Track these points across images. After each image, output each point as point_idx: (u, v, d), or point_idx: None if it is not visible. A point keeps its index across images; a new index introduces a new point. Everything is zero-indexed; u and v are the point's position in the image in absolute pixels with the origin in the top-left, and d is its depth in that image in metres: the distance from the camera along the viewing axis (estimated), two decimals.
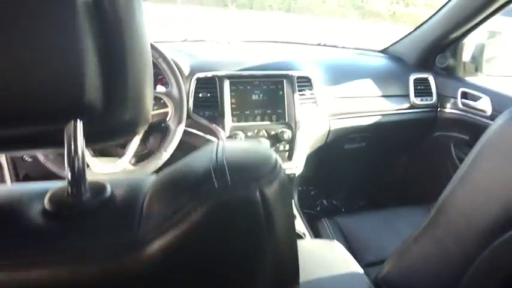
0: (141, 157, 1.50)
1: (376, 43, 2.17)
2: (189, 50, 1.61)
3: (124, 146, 1.23)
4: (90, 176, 1.02)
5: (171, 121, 1.23)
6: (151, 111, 1.19)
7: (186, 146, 1.47)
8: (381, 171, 2.18)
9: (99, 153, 1.24)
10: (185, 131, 1.42)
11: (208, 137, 1.45)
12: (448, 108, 1.76)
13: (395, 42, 2.01)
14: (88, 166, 1.20)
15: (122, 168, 1.20)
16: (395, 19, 9.73)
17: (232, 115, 1.46)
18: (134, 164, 1.23)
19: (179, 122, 1.23)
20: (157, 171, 1.23)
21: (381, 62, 1.92)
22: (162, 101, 1.23)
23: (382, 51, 2.06)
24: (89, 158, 1.20)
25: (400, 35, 1.97)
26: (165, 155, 1.22)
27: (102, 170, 1.19)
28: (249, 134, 1.45)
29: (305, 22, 9.45)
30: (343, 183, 2.23)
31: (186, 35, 2.15)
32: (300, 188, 1.90)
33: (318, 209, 2.31)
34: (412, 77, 1.76)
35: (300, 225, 1.45)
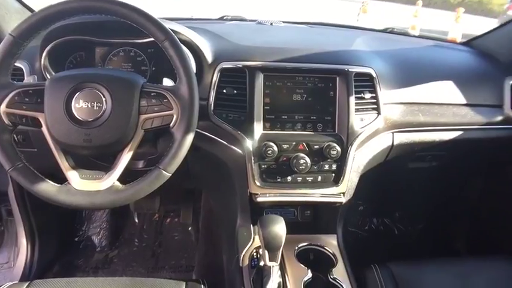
0: (150, 161, 1.22)
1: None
2: (218, 31, 1.27)
3: (114, 158, 0.92)
4: (67, 194, 0.89)
5: (175, 128, 0.90)
6: (150, 113, 0.89)
7: (204, 155, 1.16)
8: (451, 197, 1.76)
9: (81, 164, 0.93)
10: (202, 136, 1.11)
11: (232, 147, 1.12)
12: None
13: (485, 34, 1.57)
14: (66, 181, 0.90)
15: (108, 186, 0.89)
16: (465, 7, 8.87)
17: (264, 120, 1.12)
18: (125, 183, 0.91)
19: (186, 130, 0.89)
20: (155, 193, 0.91)
21: (465, 58, 1.49)
22: (165, 100, 0.90)
23: (466, 44, 1.62)
24: (68, 169, 0.90)
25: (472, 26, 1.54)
26: (165, 174, 0.89)
27: (83, 187, 0.89)
28: (285, 146, 1.11)
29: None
30: (400, 203, 1.85)
31: (226, 12, 1.83)
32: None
33: (366, 227, 1.96)
34: (509, 82, 1.32)
35: (341, 275, 1.09)
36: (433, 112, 1.26)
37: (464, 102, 1.29)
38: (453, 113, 1.28)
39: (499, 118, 1.31)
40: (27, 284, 1.03)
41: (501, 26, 1.51)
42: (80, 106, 0.87)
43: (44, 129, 0.89)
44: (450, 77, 1.32)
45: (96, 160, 1.11)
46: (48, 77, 1.10)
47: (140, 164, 1.25)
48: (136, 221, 2.00)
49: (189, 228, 1.98)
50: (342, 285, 1.06)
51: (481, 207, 1.70)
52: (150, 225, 2.00)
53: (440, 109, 1.27)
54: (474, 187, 1.70)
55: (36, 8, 0.92)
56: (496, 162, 1.53)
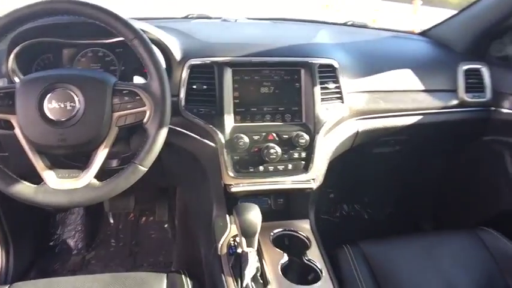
0: (124, 160, 1.24)
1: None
2: (185, 29, 1.30)
3: (89, 156, 0.94)
4: (45, 194, 0.90)
5: (149, 123, 0.93)
6: (123, 111, 0.91)
7: (177, 150, 1.19)
8: (415, 179, 1.85)
9: (57, 164, 0.95)
10: (175, 131, 1.14)
11: (205, 140, 1.15)
12: (506, 108, 1.41)
13: (438, 24, 1.67)
14: (42, 181, 0.91)
15: (85, 184, 0.91)
16: None
17: (235, 113, 1.16)
18: (102, 180, 0.93)
19: (160, 125, 0.92)
20: (130, 192, 0.94)
21: (421, 47, 1.58)
22: (138, 97, 0.92)
23: (422, 34, 1.71)
24: (43, 170, 0.91)
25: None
26: (141, 169, 0.92)
27: (60, 185, 0.91)
28: (255, 137, 1.15)
29: None
30: (368, 188, 1.93)
31: (190, 11, 1.84)
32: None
33: (338, 214, 2.03)
34: (462, 68, 1.42)
35: (315, 256, 1.15)
36: (393, 99, 1.33)
37: (422, 88, 1.37)
38: (412, 99, 1.36)
39: (454, 102, 1.40)
40: (7, 286, 1.03)
41: (453, 16, 1.61)
42: (52, 107, 0.89)
43: (17, 131, 0.89)
44: (408, 66, 1.39)
45: (71, 161, 1.12)
46: (16, 80, 1.10)
47: (114, 163, 1.26)
48: (112, 221, 2.00)
49: (165, 226, 2.00)
50: (316, 266, 1.11)
51: (443, 187, 1.80)
52: (126, 225, 2.00)
53: (400, 96, 1.35)
54: (436, 168, 1.80)
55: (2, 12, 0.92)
56: (453, 143, 1.63)
